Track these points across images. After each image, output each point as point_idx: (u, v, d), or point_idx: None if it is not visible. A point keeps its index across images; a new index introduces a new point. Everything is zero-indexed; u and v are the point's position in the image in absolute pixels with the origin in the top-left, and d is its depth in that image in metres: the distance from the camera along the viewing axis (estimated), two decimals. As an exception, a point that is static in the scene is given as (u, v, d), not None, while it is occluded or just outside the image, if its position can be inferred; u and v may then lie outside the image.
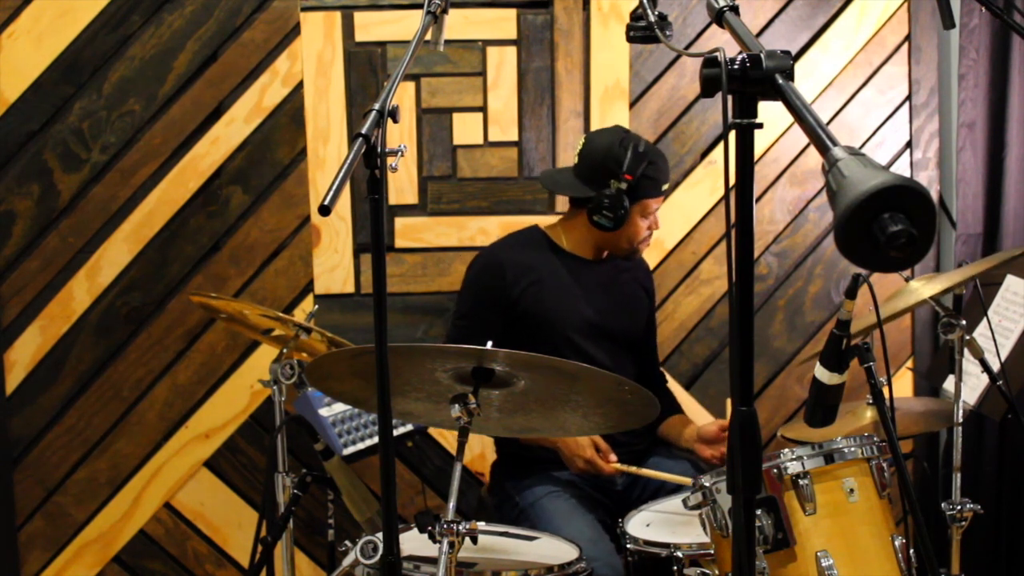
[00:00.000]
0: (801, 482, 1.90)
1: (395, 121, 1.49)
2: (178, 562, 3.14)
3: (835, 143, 1.10)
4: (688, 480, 2.38)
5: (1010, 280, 2.73)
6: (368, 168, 1.47)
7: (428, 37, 1.73)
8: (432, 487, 3.17)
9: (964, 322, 2.26)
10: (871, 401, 2.12)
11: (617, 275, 2.76)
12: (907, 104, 3.25)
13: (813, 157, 3.22)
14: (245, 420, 3.11)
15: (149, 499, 3.10)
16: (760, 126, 1.23)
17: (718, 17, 1.42)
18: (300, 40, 3.04)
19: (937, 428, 2.85)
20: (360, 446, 2.44)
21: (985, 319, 2.58)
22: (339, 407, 2.44)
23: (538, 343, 2.54)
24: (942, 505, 2.30)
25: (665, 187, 2.65)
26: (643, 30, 1.70)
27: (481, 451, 3.12)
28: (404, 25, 3.06)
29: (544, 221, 2.78)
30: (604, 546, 2.32)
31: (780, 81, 1.19)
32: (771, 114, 1.31)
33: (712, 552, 2.06)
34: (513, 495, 2.62)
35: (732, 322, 1.27)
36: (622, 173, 2.54)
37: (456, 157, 3.13)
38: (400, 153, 1.51)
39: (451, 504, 1.81)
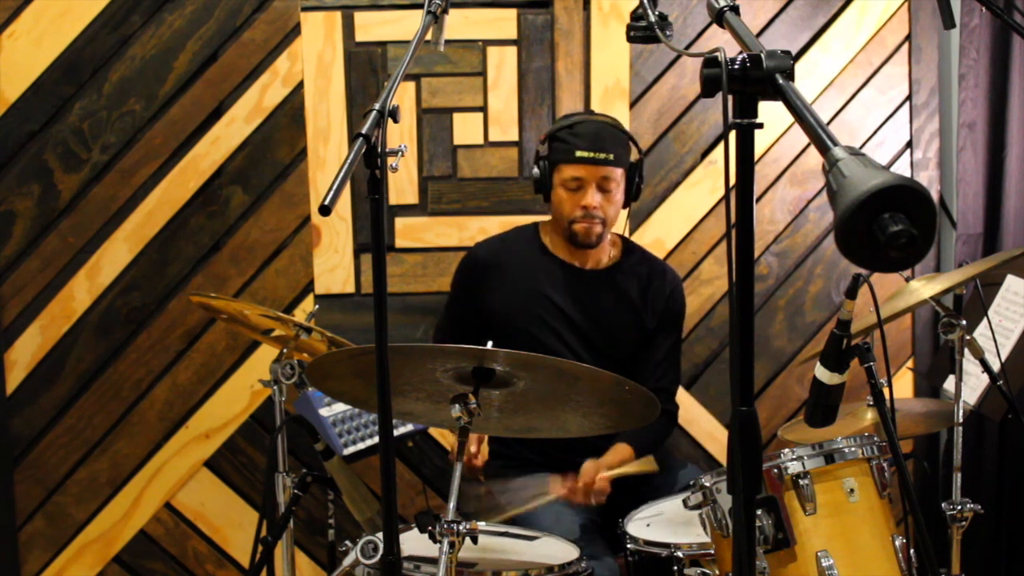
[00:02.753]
0: (801, 482, 1.90)
1: (395, 121, 1.50)
2: (178, 562, 3.14)
3: (835, 143, 1.10)
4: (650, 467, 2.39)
5: (1010, 280, 2.73)
6: (368, 168, 1.47)
7: (428, 37, 1.73)
8: (432, 487, 3.17)
9: (964, 322, 2.26)
10: (871, 403, 2.12)
11: (607, 288, 2.69)
12: (907, 104, 3.25)
13: (813, 157, 3.22)
14: (245, 420, 3.11)
15: (149, 499, 3.10)
16: (760, 126, 1.23)
17: (718, 17, 1.42)
18: (300, 40, 3.04)
19: (937, 429, 2.85)
20: (360, 446, 2.44)
21: (985, 319, 2.58)
22: (339, 407, 2.44)
23: (507, 343, 2.53)
24: (942, 505, 2.30)
25: (581, 154, 2.51)
26: (643, 30, 1.70)
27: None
28: (404, 25, 3.06)
29: (545, 219, 2.78)
30: (598, 546, 2.32)
31: (780, 81, 1.19)
32: (771, 114, 1.31)
33: (712, 552, 2.07)
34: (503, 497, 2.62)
35: (732, 322, 1.27)
36: (541, 136, 2.63)
37: (456, 157, 3.13)
38: (400, 153, 1.51)
39: (451, 504, 1.81)
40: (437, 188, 3.13)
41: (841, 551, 1.88)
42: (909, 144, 3.27)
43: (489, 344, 1.89)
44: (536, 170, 2.61)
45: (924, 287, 2.31)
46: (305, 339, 2.45)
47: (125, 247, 3.04)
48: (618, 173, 2.57)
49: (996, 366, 2.41)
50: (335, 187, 1.36)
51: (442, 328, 2.82)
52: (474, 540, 1.80)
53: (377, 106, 1.48)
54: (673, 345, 2.76)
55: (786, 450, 1.95)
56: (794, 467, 1.91)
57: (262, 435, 3.12)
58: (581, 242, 2.61)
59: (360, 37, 3.07)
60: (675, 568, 2.12)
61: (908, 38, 3.23)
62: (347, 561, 2.04)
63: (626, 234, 2.94)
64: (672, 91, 3.18)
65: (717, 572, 2.05)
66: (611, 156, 2.54)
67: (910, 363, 3.30)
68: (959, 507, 2.28)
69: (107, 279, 3.04)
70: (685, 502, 2.03)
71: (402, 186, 3.12)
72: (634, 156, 2.63)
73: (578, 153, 2.52)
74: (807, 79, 3.21)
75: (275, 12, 3.03)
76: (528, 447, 2.67)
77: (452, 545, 1.78)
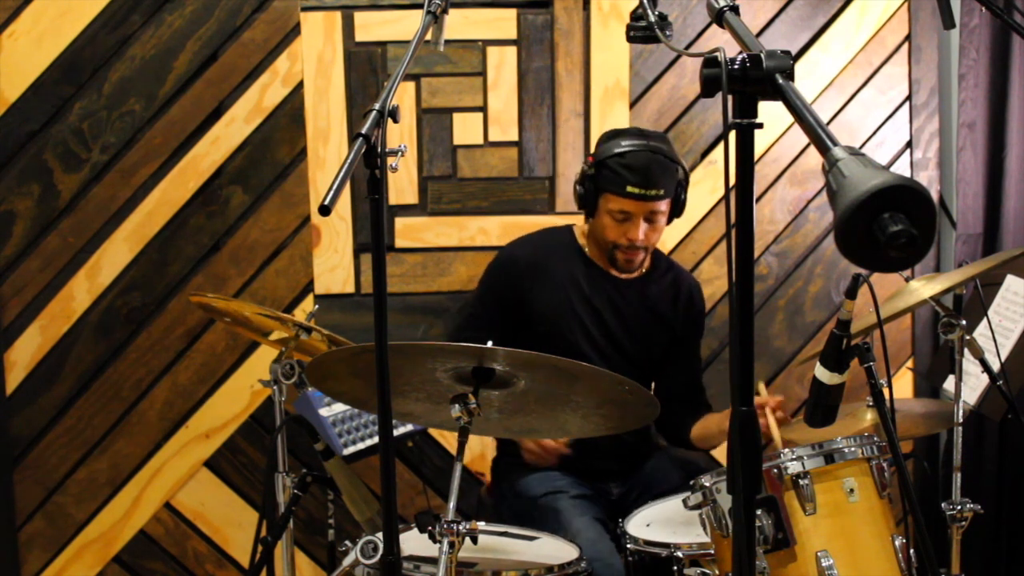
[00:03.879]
0: (801, 482, 1.90)
1: (395, 121, 1.49)
2: (178, 562, 3.14)
3: (835, 143, 1.10)
4: None
5: (1010, 280, 2.73)
6: (368, 168, 1.47)
7: (428, 37, 1.73)
8: (432, 487, 3.17)
9: (964, 322, 2.26)
10: (871, 402, 2.12)
11: (641, 297, 2.70)
12: (907, 104, 3.25)
13: (813, 157, 3.22)
14: (245, 420, 3.11)
15: (149, 499, 3.10)
16: (760, 126, 1.23)
17: (718, 17, 1.42)
18: (300, 40, 3.04)
19: (937, 429, 2.85)
20: (360, 446, 2.44)
21: (985, 319, 2.58)
22: (339, 407, 2.44)
23: (544, 345, 2.56)
24: (942, 505, 2.30)
25: (631, 190, 2.48)
26: (643, 30, 1.70)
27: (481, 451, 3.12)
28: (404, 25, 3.06)
29: (580, 222, 2.76)
30: (604, 546, 2.32)
31: (780, 81, 1.19)
32: (771, 114, 1.31)
33: (712, 552, 2.07)
34: (511, 495, 2.62)
35: (732, 322, 1.27)
36: (590, 155, 2.59)
37: (456, 157, 3.13)
38: (400, 153, 1.51)
39: (451, 504, 1.81)
40: (437, 188, 3.13)
41: (841, 551, 1.88)
42: (909, 144, 3.27)
43: (489, 344, 1.89)
44: (580, 189, 2.58)
45: (924, 287, 2.31)
46: (305, 339, 2.45)
47: (125, 247, 3.04)
48: (665, 204, 2.54)
49: (996, 366, 2.40)
50: (335, 187, 1.36)
51: (466, 329, 2.70)
52: (474, 540, 1.80)
53: (377, 106, 1.47)
54: (696, 346, 2.85)
55: (786, 450, 1.95)
56: (794, 467, 1.91)
57: (262, 435, 3.12)
58: (621, 268, 2.63)
59: (360, 37, 3.07)
60: (675, 568, 2.12)
61: (908, 38, 3.23)
62: (347, 561, 2.04)
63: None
64: (672, 91, 3.18)
65: (717, 572, 2.05)
66: (661, 192, 2.50)
67: (910, 363, 3.30)
68: (959, 507, 2.28)
69: (107, 279, 3.04)
70: (685, 502, 2.03)
71: (402, 186, 3.12)
72: (679, 175, 2.57)
73: (629, 188, 2.48)
74: (807, 79, 3.21)
75: (275, 12, 3.03)
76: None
77: (452, 545, 1.78)
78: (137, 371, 3.07)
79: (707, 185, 3.22)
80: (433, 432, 3.15)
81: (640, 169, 2.48)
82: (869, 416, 2.42)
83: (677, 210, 2.61)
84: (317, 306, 2.78)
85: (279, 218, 3.08)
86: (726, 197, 1.23)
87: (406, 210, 3.13)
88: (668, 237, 3.19)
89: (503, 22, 3.11)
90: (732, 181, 1.24)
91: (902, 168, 3.26)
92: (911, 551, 1.98)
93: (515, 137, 3.14)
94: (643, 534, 2.23)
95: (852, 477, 1.94)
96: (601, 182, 2.52)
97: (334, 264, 3.11)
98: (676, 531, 2.25)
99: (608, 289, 2.67)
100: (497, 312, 2.66)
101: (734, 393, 1.27)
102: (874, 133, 3.26)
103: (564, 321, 2.63)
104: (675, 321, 2.74)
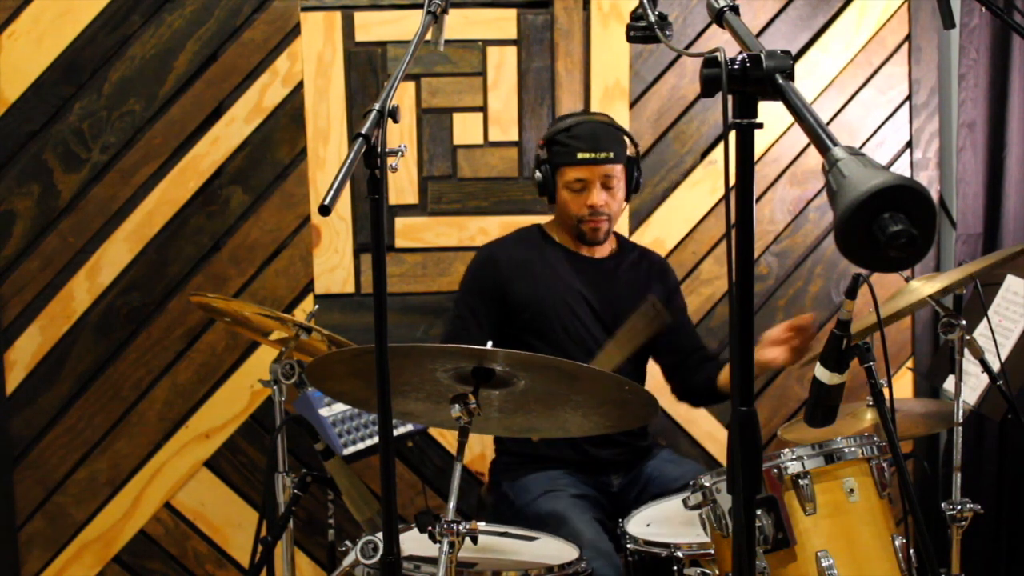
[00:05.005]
0: (801, 482, 1.90)
1: (395, 121, 1.49)
2: (178, 562, 3.14)
3: (835, 143, 1.10)
4: None
5: (1010, 280, 2.73)
6: (368, 168, 1.47)
7: (428, 37, 1.73)
8: (432, 487, 3.17)
9: (964, 322, 2.25)
10: (871, 402, 2.12)
11: (616, 274, 2.76)
12: (907, 104, 3.25)
13: (813, 157, 3.22)
14: (245, 420, 3.11)
15: (149, 499, 3.10)
16: (760, 126, 1.23)
17: (718, 17, 1.42)
18: (300, 40, 3.04)
19: (937, 429, 2.84)
20: (360, 446, 2.44)
21: (985, 319, 2.57)
22: (339, 407, 2.44)
23: (538, 332, 2.58)
24: (942, 505, 2.30)
25: (582, 156, 2.59)
26: (643, 30, 1.70)
27: (481, 451, 3.12)
28: (404, 25, 3.06)
29: (546, 219, 2.80)
30: (603, 546, 2.32)
31: (780, 81, 1.19)
32: (771, 114, 1.31)
33: (712, 552, 2.07)
34: (511, 494, 2.62)
35: (732, 322, 1.27)
36: (540, 139, 2.70)
37: (456, 157, 3.13)
38: (400, 153, 1.51)
39: (451, 504, 1.81)
40: (437, 188, 3.13)
41: (841, 551, 1.88)
42: (909, 144, 3.27)
43: (489, 344, 1.89)
44: (538, 174, 2.67)
45: (924, 287, 2.31)
46: (305, 339, 2.45)
47: (125, 247, 3.04)
48: (618, 169, 2.63)
49: (996, 366, 2.40)
50: (335, 187, 1.36)
51: (456, 331, 2.70)
52: (474, 540, 1.80)
53: (377, 106, 1.47)
54: (685, 310, 2.90)
55: (786, 450, 1.95)
56: (794, 467, 1.91)
57: (262, 435, 3.12)
58: (589, 240, 2.69)
59: (360, 37, 3.07)
60: (675, 568, 2.12)
61: (908, 38, 3.23)
62: (347, 561, 2.04)
63: (625, 234, 2.96)
64: (672, 91, 3.18)
65: (717, 572, 2.05)
66: (611, 154, 2.60)
67: (910, 363, 3.30)
68: (959, 507, 2.28)
69: (107, 279, 3.04)
70: (685, 502, 2.03)
71: (402, 186, 3.12)
72: (630, 151, 2.67)
73: (579, 155, 2.59)
74: (807, 79, 3.21)
75: (275, 12, 3.03)
76: (536, 443, 2.67)
77: (452, 545, 1.78)
78: (137, 371, 3.07)
79: (707, 185, 3.22)
80: (433, 432, 3.15)
81: (587, 136, 2.60)
82: (869, 416, 2.42)
83: (633, 185, 2.68)
84: (317, 306, 2.78)
85: (279, 218, 3.08)
86: (726, 197, 1.23)
87: (406, 210, 3.13)
88: (668, 237, 3.20)
89: (503, 22, 3.11)
90: (732, 181, 1.24)
91: (902, 168, 3.26)
92: (911, 551, 1.98)
93: (515, 137, 3.14)
94: (643, 534, 2.23)
95: (852, 477, 1.94)
96: (554, 158, 2.63)
97: (334, 264, 3.11)
98: (676, 531, 2.24)
99: (586, 271, 2.72)
100: (488, 309, 2.68)
101: (734, 393, 1.27)
102: (874, 133, 3.26)
103: (550, 307, 2.66)
104: (653, 293, 2.77)
